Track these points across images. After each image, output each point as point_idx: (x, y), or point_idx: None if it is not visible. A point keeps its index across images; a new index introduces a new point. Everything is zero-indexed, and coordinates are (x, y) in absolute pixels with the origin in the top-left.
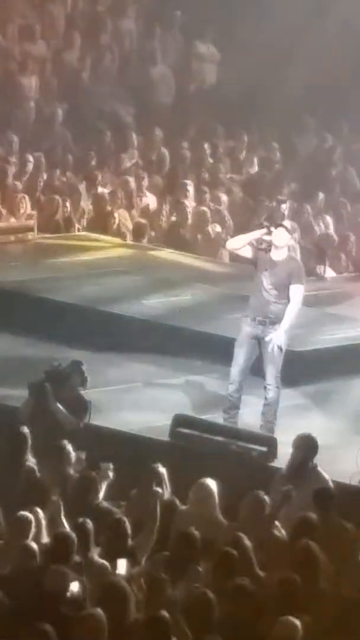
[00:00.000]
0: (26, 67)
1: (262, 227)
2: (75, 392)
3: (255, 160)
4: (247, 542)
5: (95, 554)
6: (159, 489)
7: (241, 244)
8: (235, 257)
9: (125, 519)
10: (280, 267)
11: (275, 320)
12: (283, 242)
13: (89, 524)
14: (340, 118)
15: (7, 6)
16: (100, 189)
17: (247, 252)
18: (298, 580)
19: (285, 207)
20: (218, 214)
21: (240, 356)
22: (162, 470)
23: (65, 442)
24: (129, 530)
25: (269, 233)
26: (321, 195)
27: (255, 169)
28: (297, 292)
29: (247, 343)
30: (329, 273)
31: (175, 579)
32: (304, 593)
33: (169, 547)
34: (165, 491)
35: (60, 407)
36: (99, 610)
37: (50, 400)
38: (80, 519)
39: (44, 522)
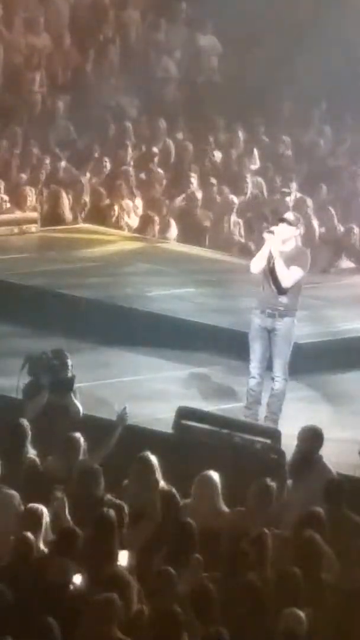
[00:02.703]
0: (31, 60)
1: (268, 230)
2: (62, 375)
3: (256, 153)
4: (269, 541)
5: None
6: (158, 479)
7: (262, 261)
8: (244, 251)
9: (125, 508)
10: (286, 258)
11: (285, 313)
12: (287, 235)
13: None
14: (345, 110)
15: None
16: (103, 181)
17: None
18: (299, 574)
19: (290, 200)
20: (224, 206)
21: (257, 349)
22: (153, 458)
23: (78, 434)
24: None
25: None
26: (324, 188)
27: (258, 162)
28: (294, 270)
29: (260, 335)
30: (337, 266)
31: (175, 569)
32: (308, 585)
33: (169, 538)
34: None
35: (73, 397)
36: (115, 595)
37: (67, 393)
38: (104, 509)
39: (47, 518)
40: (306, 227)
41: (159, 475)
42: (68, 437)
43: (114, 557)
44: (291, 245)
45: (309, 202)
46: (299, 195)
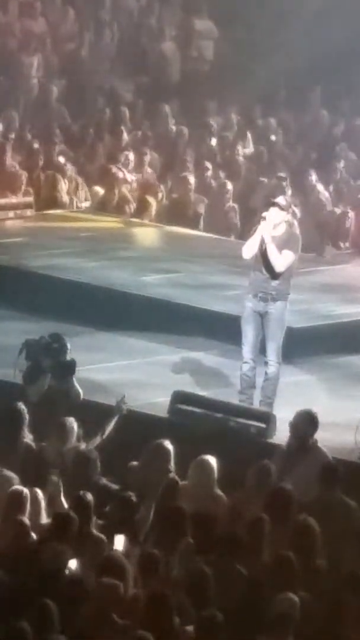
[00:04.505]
0: (27, 44)
1: (262, 215)
2: (63, 359)
3: (250, 137)
4: (268, 527)
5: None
6: (171, 468)
7: (254, 247)
8: (240, 235)
9: (132, 496)
10: (277, 243)
11: (277, 297)
12: (278, 219)
13: (89, 497)
14: (342, 94)
15: None
16: (100, 166)
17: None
18: (293, 558)
19: (285, 184)
20: (221, 190)
21: (249, 333)
22: (169, 447)
23: (72, 418)
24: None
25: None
26: (314, 175)
27: (252, 146)
28: (285, 254)
29: (253, 319)
30: (330, 250)
31: (167, 553)
32: (302, 569)
33: (159, 522)
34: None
35: (74, 381)
36: (115, 581)
37: (69, 377)
38: (81, 492)
39: (43, 503)
40: (301, 212)
41: (172, 463)
42: (61, 421)
43: (97, 542)
44: (282, 229)
45: (305, 185)
46: (295, 180)
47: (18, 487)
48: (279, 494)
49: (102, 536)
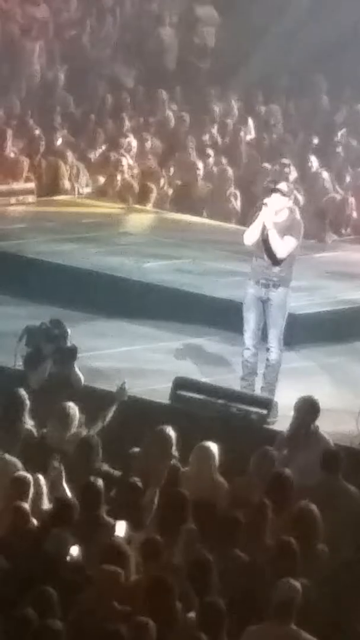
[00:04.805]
0: (29, 30)
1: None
2: (64, 345)
3: (252, 124)
4: (270, 513)
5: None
6: (175, 454)
7: (256, 233)
8: (242, 222)
9: (139, 484)
10: (279, 229)
11: (279, 283)
12: (280, 205)
13: (100, 482)
14: (343, 81)
15: None
16: (102, 152)
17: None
18: (295, 544)
19: (288, 170)
20: (222, 176)
21: (251, 320)
22: (172, 433)
23: (72, 404)
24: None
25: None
26: (315, 161)
27: (253, 132)
28: (287, 241)
29: (255, 306)
30: (331, 237)
31: (167, 539)
32: (303, 555)
33: (161, 508)
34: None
35: (76, 368)
36: (115, 567)
37: (70, 363)
38: (92, 478)
39: (44, 489)
40: (303, 198)
41: (174, 450)
42: (62, 407)
43: (105, 528)
44: (284, 215)
45: (306, 172)
46: (296, 166)
47: (21, 472)
48: (277, 479)
49: (112, 521)
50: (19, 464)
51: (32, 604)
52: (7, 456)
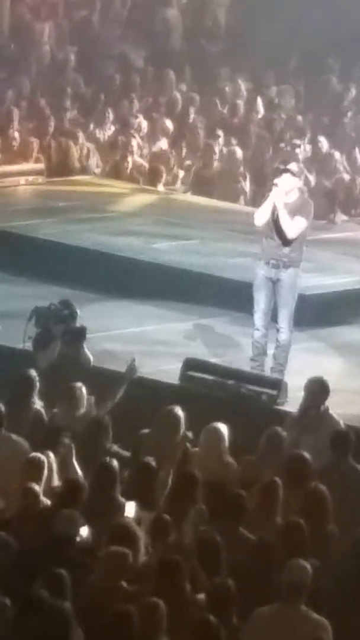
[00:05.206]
0: (38, 11)
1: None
2: (73, 325)
3: (261, 104)
4: (281, 492)
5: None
6: (189, 435)
7: (266, 213)
8: (251, 202)
9: (153, 464)
10: (290, 209)
11: (289, 264)
12: (291, 185)
13: (115, 463)
14: (353, 61)
15: None
16: (111, 133)
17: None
18: (304, 524)
19: (300, 151)
20: (231, 157)
21: (261, 300)
22: (180, 413)
23: (80, 384)
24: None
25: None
26: (326, 142)
27: (262, 111)
28: (298, 221)
29: (265, 286)
30: (340, 217)
31: (178, 520)
32: (313, 536)
33: (171, 489)
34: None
35: (85, 349)
36: (124, 549)
37: (79, 343)
38: (107, 459)
39: (54, 466)
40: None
41: (183, 430)
42: (69, 387)
43: (120, 508)
44: (294, 196)
45: (316, 152)
46: (308, 147)
47: (36, 454)
48: (294, 460)
49: (123, 502)
50: (26, 444)
51: (44, 586)
52: (14, 436)
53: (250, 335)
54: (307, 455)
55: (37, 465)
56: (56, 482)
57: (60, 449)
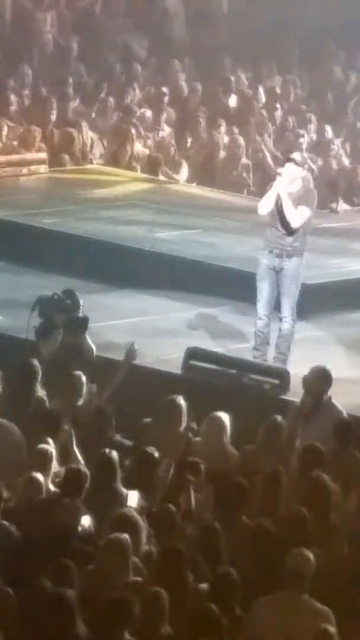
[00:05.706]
0: (41, 0)
1: (278, 170)
2: (76, 315)
3: (263, 93)
4: (283, 479)
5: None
6: (193, 425)
7: (270, 203)
8: (254, 192)
9: (156, 454)
10: (293, 199)
11: (293, 253)
12: (294, 175)
13: (115, 454)
14: (356, 50)
15: None
16: (112, 122)
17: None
18: (307, 514)
19: (303, 140)
20: (234, 146)
21: (264, 289)
22: (183, 402)
23: (79, 372)
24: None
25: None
26: (329, 131)
27: (264, 101)
28: (301, 210)
29: (268, 276)
30: (343, 206)
31: (179, 509)
32: (315, 525)
33: (171, 477)
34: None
35: (88, 338)
36: (125, 536)
37: (82, 333)
38: (106, 450)
39: (54, 452)
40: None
41: (185, 419)
42: (71, 375)
43: (120, 498)
44: (298, 185)
45: (320, 141)
46: (313, 136)
47: (43, 445)
48: (309, 451)
49: (125, 491)
50: (16, 429)
51: (50, 576)
52: (5, 422)
53: (253, 324)
54: (321, 447)
55: (44, 457)
56: (56, 468)
57: (61, 435)
